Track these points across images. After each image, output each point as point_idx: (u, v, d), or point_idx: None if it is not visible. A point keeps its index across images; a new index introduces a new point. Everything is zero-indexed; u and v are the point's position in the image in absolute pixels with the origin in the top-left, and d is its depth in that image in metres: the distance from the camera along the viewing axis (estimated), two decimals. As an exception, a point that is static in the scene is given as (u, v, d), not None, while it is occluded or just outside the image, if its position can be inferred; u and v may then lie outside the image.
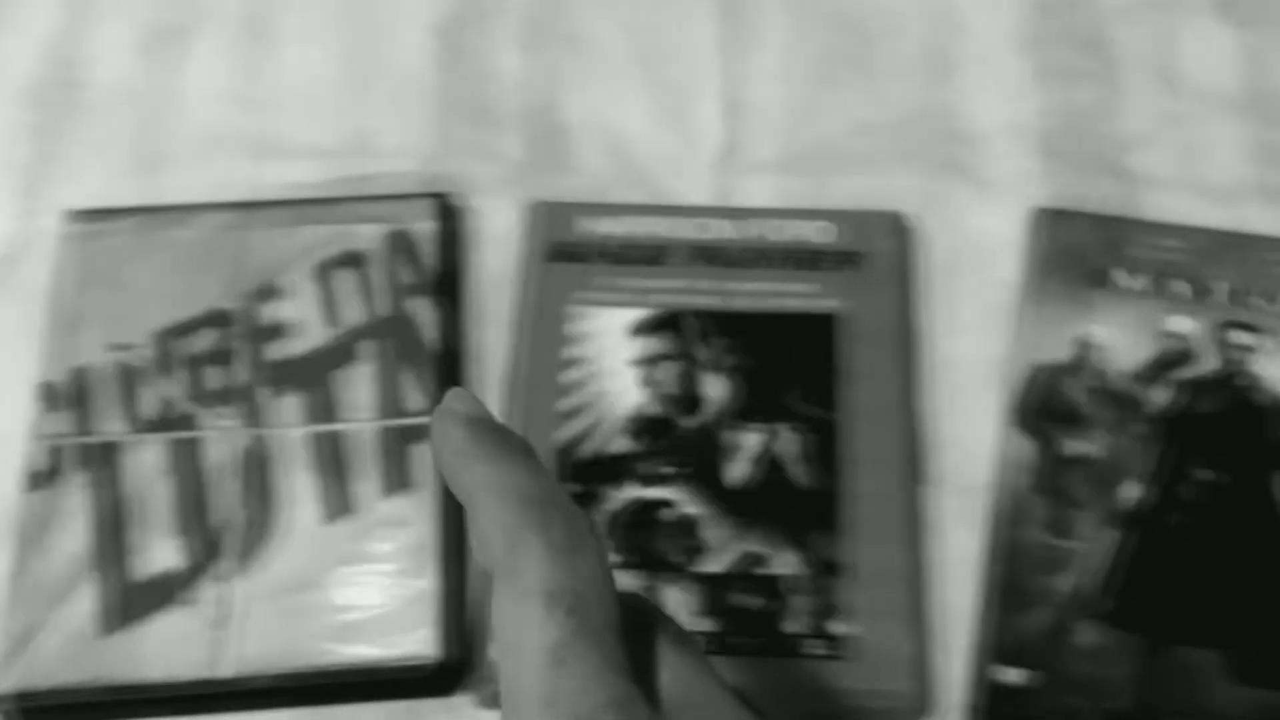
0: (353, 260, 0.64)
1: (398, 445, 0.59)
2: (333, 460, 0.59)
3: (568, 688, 0.32)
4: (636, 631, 0.35)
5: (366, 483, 0.58)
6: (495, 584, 0.34)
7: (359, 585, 0.56)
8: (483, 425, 0.37)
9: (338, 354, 0.61)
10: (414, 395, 0.60)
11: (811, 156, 0.70)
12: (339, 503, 0.58)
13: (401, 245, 0.64)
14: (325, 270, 0.63)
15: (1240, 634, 0.55)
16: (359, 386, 0.61)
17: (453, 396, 0.39)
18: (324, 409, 0.60)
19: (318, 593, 0.56)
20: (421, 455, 0.59)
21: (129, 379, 0.61)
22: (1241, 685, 0.54)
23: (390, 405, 0.60)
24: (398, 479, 0.58)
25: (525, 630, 0.33)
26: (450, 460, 0.37)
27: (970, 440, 0.61)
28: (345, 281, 0.63)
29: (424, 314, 0.62)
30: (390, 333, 0.62)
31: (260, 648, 0.55)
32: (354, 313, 0.62)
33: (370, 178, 0.68)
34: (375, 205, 0.65)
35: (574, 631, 0.32)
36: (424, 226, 0.65)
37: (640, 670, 0.35)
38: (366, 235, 0.64)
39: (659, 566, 0.57)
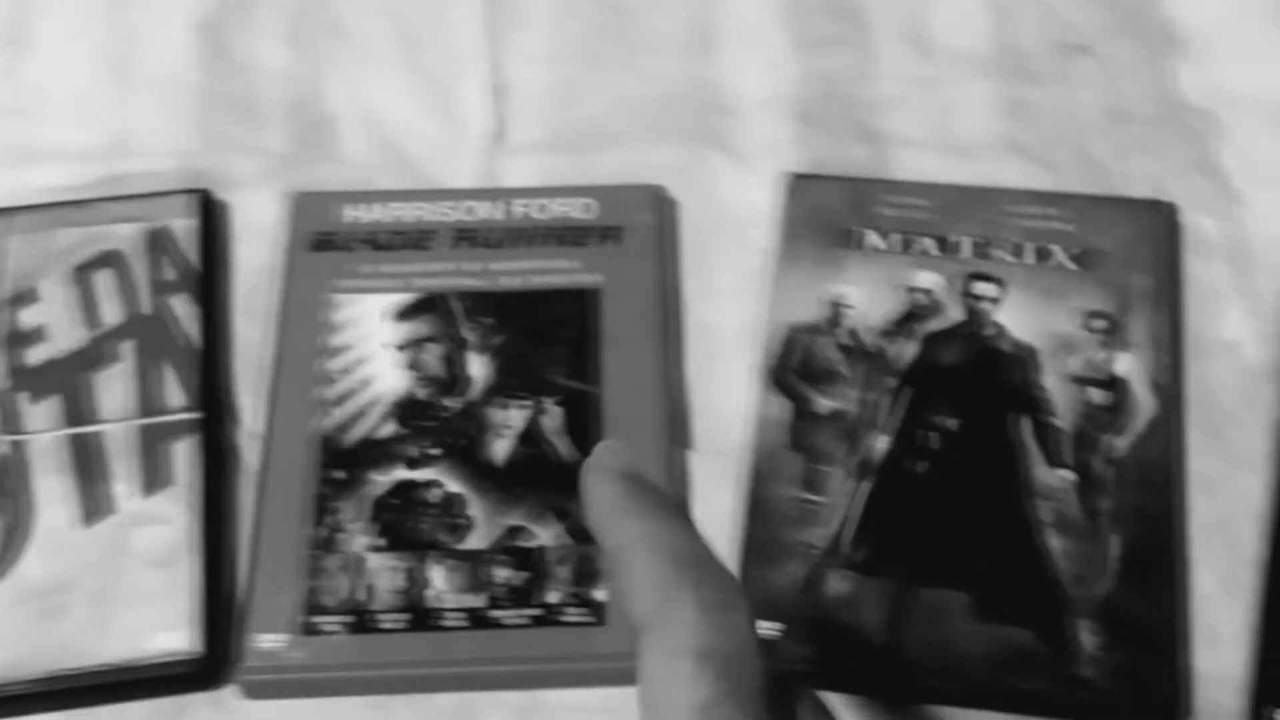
0: (110, 260, 0.63)
1: (155, 443, 0.59)
2: (88, 462, 0.59)
3: None
4: (779, 697, 0.36)
5: (123, 482, 0.58)
6: (643, 639, 0.35)
7: (117, 584, 0.56)
8: (636, 481, 0.38)
9: (94, 356, 0.61)
10: (172, 393, 0.60)
11: (577, 135, 0.71)
12: (95, 504, 0.58)
13: (160, 243, 0.64)
14: (82, 272, 0.63)
15: (982, 573, 0.56)
16: (115, 387, 0.60)
17: (604, 450, 0.40)
18: (80, 412, 0.60)
19: (75, 594, 0.56)
20: (180, 452, 0.59)
21: (-122, 391, 0.60)
22: (984, 623, 0.55)
23: (148, 404, 0.60)
24: (155, 477, 0.58)
25: (674, 687, 0.34)
26: (601, 515, 0.38)
27: (729, 403, 0.62)
28: (103, 282, 0.63)
29: (183, 311, 0.62)
30: (148, 331, 0.62)
31: (18, 653, 0.55)
32: (111, 313, 0.62)
33: (132, 177, 0.68)
34: (132, 204, 0.65)
35: (723, 692, 0.33)
36: (183, 223, 0.65)
37: None
38: (124, 235, 0.64)
39: (423, 546, 0.58)
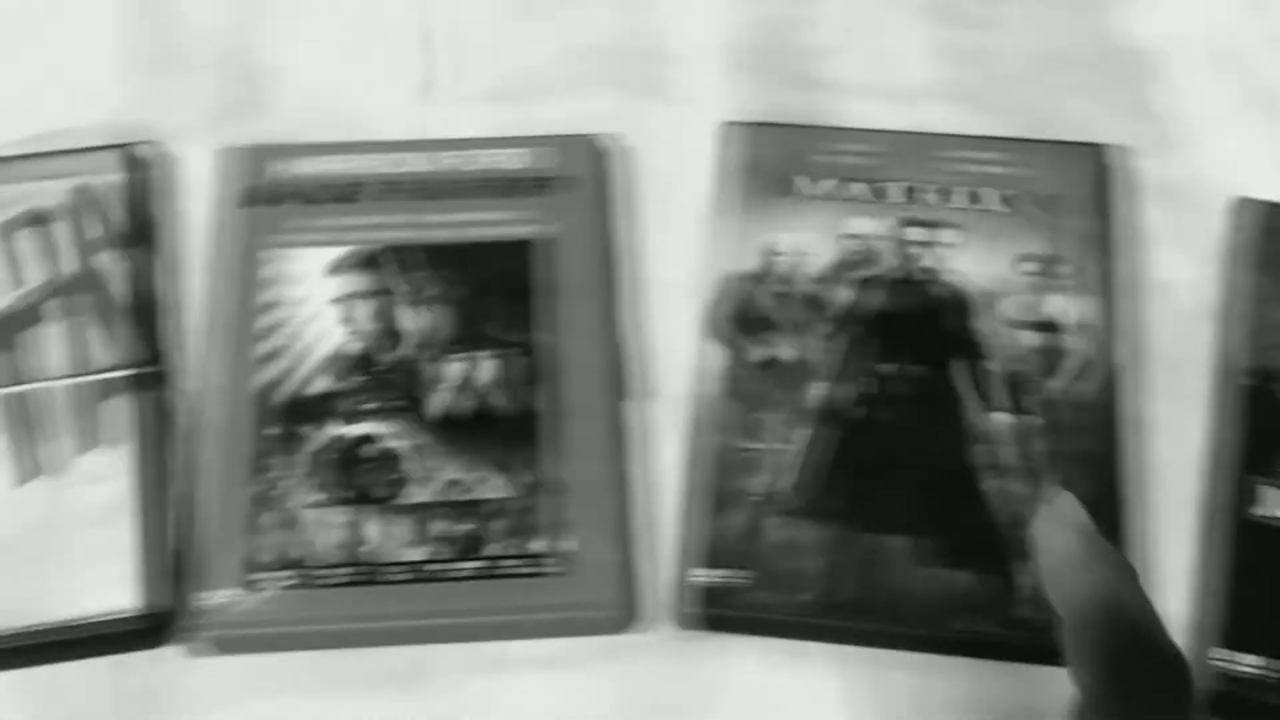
0: (37, 219, 0.62)
1: (91, 402, 0.58)
2: (23, 422, 0.58)
3: None
4: None
5: (59, 441, 0.58)
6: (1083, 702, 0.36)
7: (59, 544, 0.56)
8: (1094, 539, 0.39)
9: (24, 316, 0.60)
10: (106, 350, 0.60)
11: (515, 85, 0.70)
12: (31, 464, 0.57)
13: (89, 200, 0.63)
14: (8, 231, 0.62)
15: (923, 518, 0.57)
16: (48, 346, 0.60)
17: (1066, 501, 0.41)
18: (12, 371, 0.59)
19: (14, 555, 0.55)
20: (116, 410, 0.58)
21: None
22: (925, 567, 0.56)
23: (81, 362, 0.59)
24: (92, 435, 0.58)
25: None
26: (1055, 566, 0.40)
27: (673, 353, 0.62)
28: (30, 241, 0.62)
29: (115, 268, 0.61)
30: (79, 289, 0.61)
31: (-44, 616, 0.54)
32: (40, 272, 0.61)
33: (57, 133, 0.67)
34: (59, 161, 0.64)
35: None
36: (112, 179, 0.64)
37: None
38: (51, 192, 0.63)
39: (364, 501, 0.57)
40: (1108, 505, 0.57)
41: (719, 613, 0.56)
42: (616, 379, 0.61)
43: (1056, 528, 0.41)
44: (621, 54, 0.71)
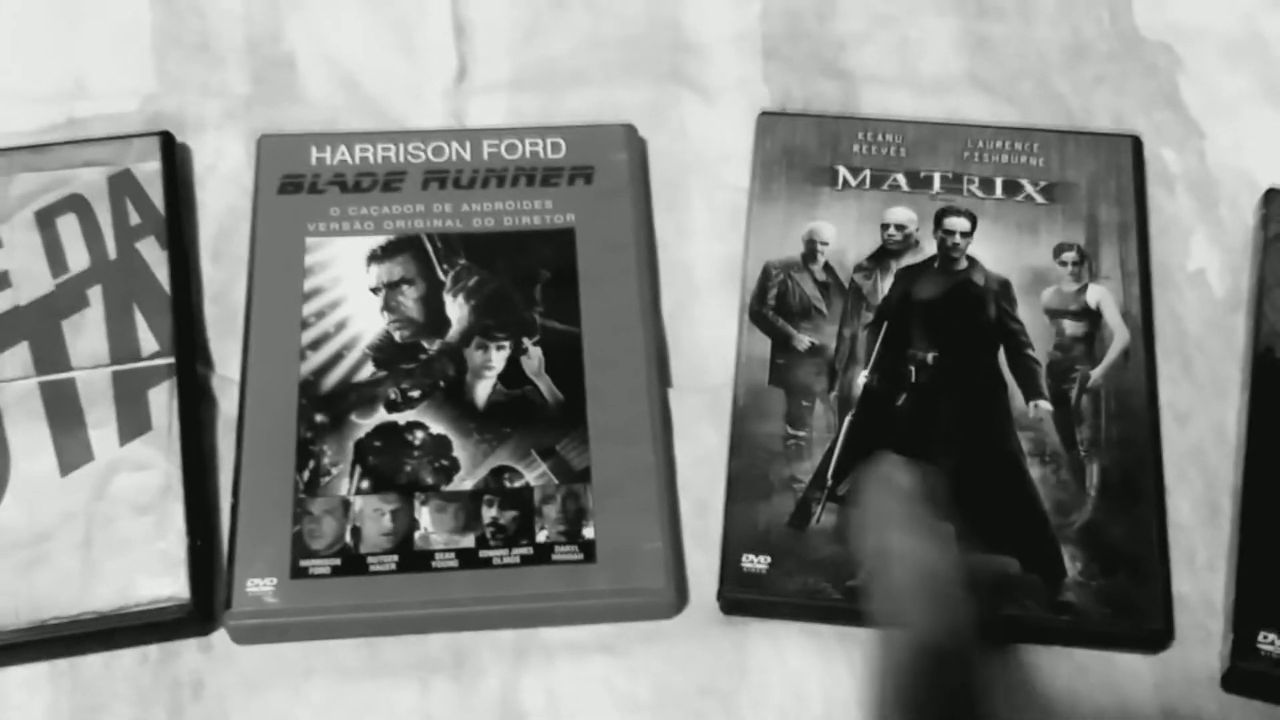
0: (75, 205, 0.62)
1: (130, 390, 0.58)
2: (62, 410, 0.57)
3: None
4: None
5: (100, 430, 0.57)
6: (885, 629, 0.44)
7: (103, 532, 0.55)
8: (914, 502, 0.46)
9: (65, 301, 0.60)
10: (145, 338, 0.59)
11: (541, 74, 0.70)
12: (72, 452, 0.57)
13: (125, 187, 0.63)
14: (46, 217, 0.62)
15: (966, 503, 0.57)
16: (89, 333, 0.59)
17: (892, 465, 0.48)
18: (50, 359, 0.59)
19: (58, 543, 0.55)
20: (155, 398, 0.58)
21: None
22: (969, 552, 0.56)
23: (120, 350, 0.59)
24: (133, 423, 0.57)
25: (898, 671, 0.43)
26: (877, 521, 0.46)
27: (709, 341, 0.63)
28: (66, 227, 0.61)
29: (151, 255, 0.61)
30: (116, 276, 0.61)
31: (2, 603, 0.54)
32: (77, 259, 0.61)
33: (90, 120, 0.67)
34: (95, 148, 0.64)
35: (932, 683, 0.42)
36: (148, 167, 0.63)
37: None
38: (85, 179, 0.63)
39: (410, 488, 0.57)
40: (1146, 489, 0.58)
41: (763, 598, 0.57)
42: (659, 366, 0.61)
43: (884, 489, 0.48)
44: (645, 44, 0.71)
